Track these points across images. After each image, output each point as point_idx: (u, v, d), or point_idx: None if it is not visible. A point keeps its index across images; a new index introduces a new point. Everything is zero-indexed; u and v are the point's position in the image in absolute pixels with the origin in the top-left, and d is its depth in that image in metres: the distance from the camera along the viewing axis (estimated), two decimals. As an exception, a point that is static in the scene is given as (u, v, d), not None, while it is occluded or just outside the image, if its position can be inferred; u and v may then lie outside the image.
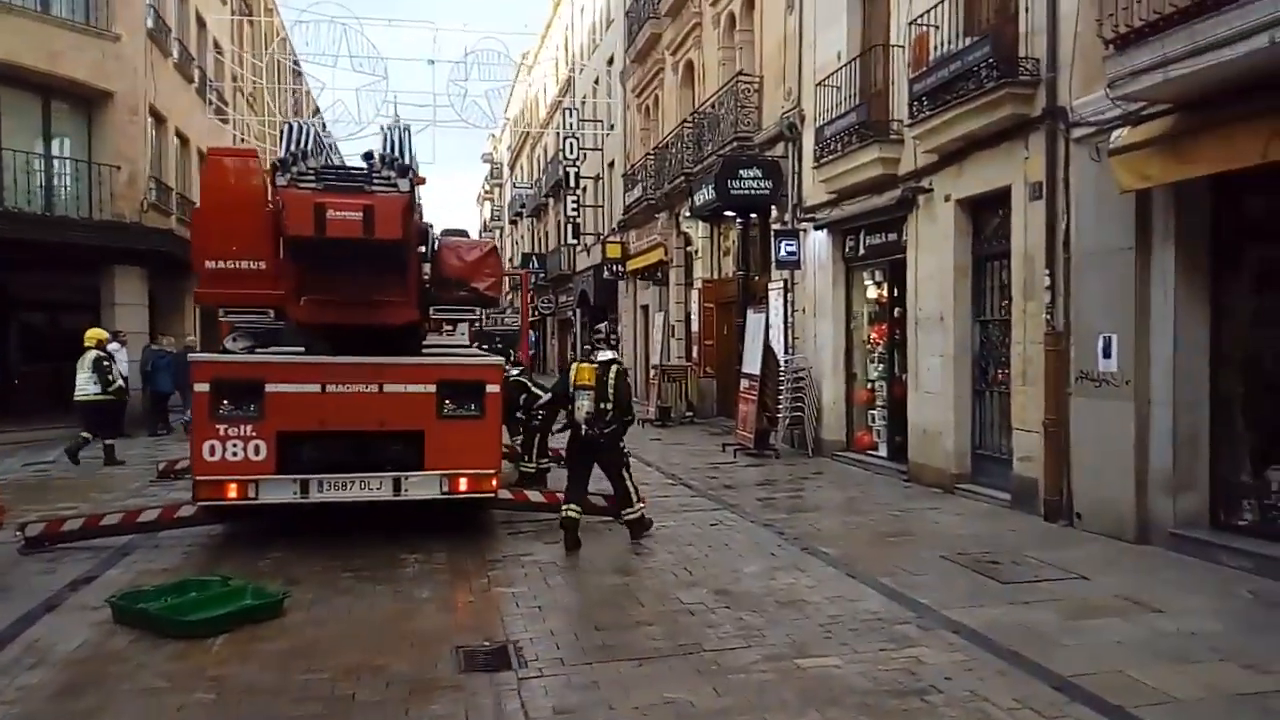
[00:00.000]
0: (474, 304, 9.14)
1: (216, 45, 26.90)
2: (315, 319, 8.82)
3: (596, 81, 32.80)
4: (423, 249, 8.99)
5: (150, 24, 20.02)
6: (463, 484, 8.73)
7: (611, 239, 28.07)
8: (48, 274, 18.46)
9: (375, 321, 8.92)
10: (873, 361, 14.00)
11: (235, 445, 8.38)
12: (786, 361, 14.95)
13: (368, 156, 8.03)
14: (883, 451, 13.45)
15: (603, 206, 32.05)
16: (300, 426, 8.52)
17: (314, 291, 8.58)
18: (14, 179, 17.17)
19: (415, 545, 8.60)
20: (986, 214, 10.95)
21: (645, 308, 25.85)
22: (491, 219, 67.32)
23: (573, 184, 31.80)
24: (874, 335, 13.91)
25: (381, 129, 8.69)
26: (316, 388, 8.58)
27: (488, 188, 70.34)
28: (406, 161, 8.07)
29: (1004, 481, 10.26)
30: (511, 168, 58.33)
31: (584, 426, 8.79)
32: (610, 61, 30.41)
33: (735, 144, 17.27)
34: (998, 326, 10.75)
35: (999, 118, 9.80)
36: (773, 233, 15.57)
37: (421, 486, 8.70)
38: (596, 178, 32.85)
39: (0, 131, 17.29)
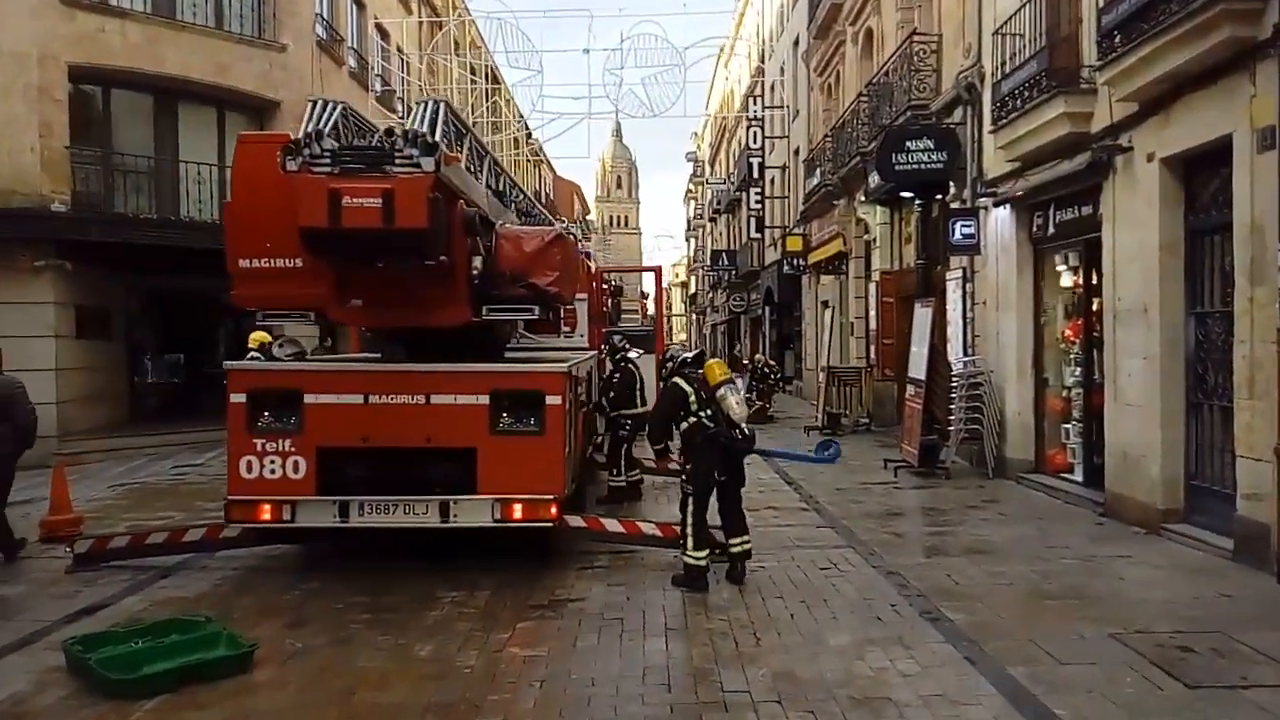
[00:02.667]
0: (532, 303, 7.85)
1: (401, 52, 27.37)
2: (356, 320, 7.93)
3: (783, 69, 30.90)
4: (475, 239, 7.75)
5: (320, 34, 20.34)
6: (517, 511, 7.50)
7: (792, 231, 26.16)
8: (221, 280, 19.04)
9: (422, 323, 7.88)
10: (1068, 364, 11.52)
11: (273, 461, 7.57)
12: (962, 364, 12.68)
13: (388, 133, 6.91)
14: (1078, 475, 10.97)
15: (788, 198, 30.12)
16: (342, 442, 7.60)
17: (352, 290, 7.64)
18: (186, 189, 17.77)
19: (463, 577, 7.47)
20: (1201, 175, 8.46)
21: (825, 303, 23.78)
22: (695, 218, 66.64)
23: (757, 175, 30.09)
24: (1068, 332, 11.43)
25: (415, 105, 7.58)
26: (359, 399, 7.63)
27: (691, 187, 69.63)
28: (435, 138, 6.90)
29: (1227, 524, 7.79)
30: (711, 164, 57.15)
31: (739, 430, 7.38)
32: (796, 43, 28.47)
33: (909, 113, 15.07)
34: (1219, 320, 8.23)
35: (1214, 45, 7.41)
36: (943, 211, 13.30)
37: (472, 513, 7.55)
38: (783, 168, 30.95)
39: (179, 143, 17.99)
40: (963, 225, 12.79)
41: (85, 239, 16.01)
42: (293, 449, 7.57)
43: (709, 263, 42.74)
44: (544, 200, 58.93)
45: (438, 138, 6.99)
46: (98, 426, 17.13)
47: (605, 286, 14.63)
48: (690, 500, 7.36)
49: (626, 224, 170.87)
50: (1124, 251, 9.34)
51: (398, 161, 6.71)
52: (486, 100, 35.91)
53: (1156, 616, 6.25)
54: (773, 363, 24.72)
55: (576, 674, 5.44)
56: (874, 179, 16.99)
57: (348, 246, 6.89)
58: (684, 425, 7.54)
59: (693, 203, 69.27)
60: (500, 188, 9.99)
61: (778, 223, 31.23)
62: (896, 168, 13.51)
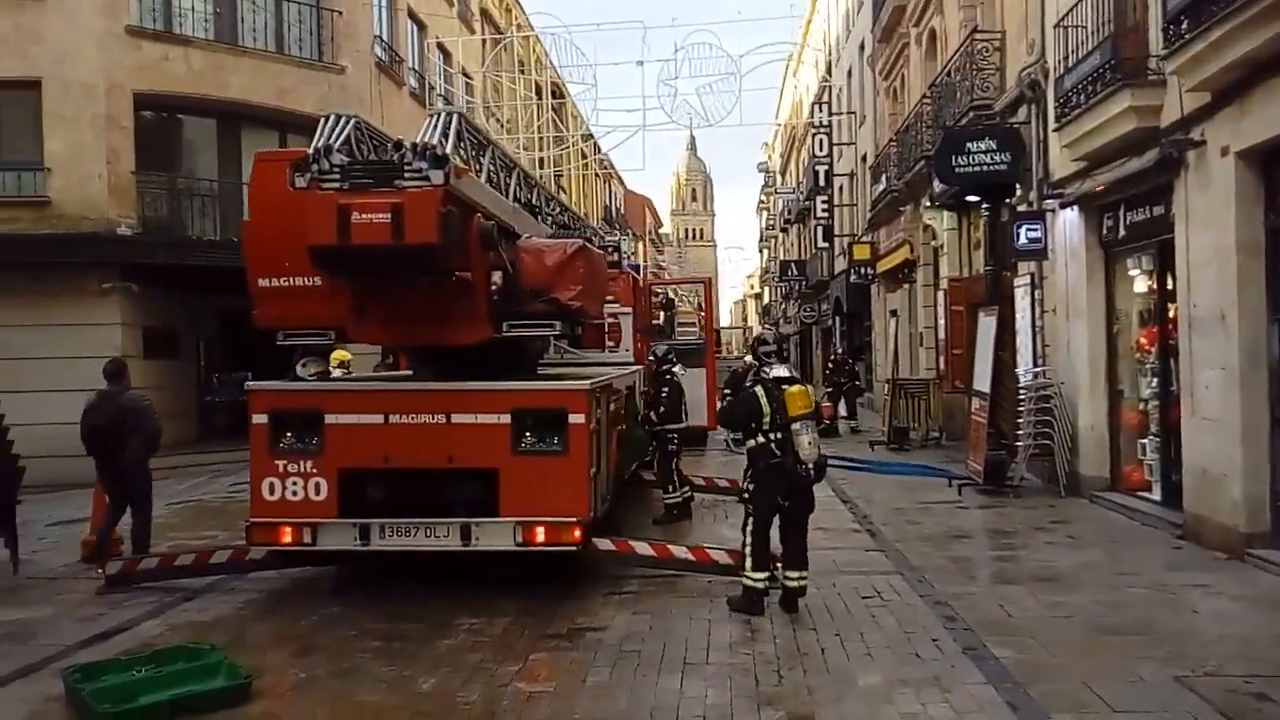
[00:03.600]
0: (553, 318, 7.56)
1: (465, 74, 27.56)
2: (375, 339, 7.78)
3: (849, 74, 30.25)
4: (494, 253, 7.48)
5: (379, 55, 20.56)
6: (540, 534, 7.22)
7: (860, 239, 25.47)
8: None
9: (441, 340, 7.67)
10: (1143, 375, 10.75)
11: (295, 483, 7.44)
12: (1030, 375, 11.97)
13: (397, 146, 6.71)
14: (1156, 494, 10.20)
15: (856, 205, 29.40)
16: (363, 463, 7.44)
17: (370, 309, 7.47)
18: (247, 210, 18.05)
19: (485, 602, 7.19)
20: (1284, 167, 7.75)
21: (894, 313, 23.04)
22: (767, 229, 65.99)
23: (823, 182, 29.46)
24: (1143, 340, 10.68)
25: (429, 115, 7.38)
26: (379, 419, 7.45)
27: (763, 198, 68.97)
28: (445, 150, 6.68)
29: (1318, 551, 7.07)
30: (782, 174, 56.46)
31: (810, 470, 6.87)
32: (862, 47, 27.83)
33: (972, 114, 14.42)
34: (1306, 326, 7.50)
35: (1292, 23, 6.74)
36: (1012, 215, 12.62)
37: (493, 536, 7.29)
38: (851, 175, 30.24)
39: (242, 166, 18.29)
40: (1028, 229, 12.11)
41: (151, 261, 16.41)
42: (314, 470, 7.43)
43: (779, 274, 42.09)
44: (614, 214, 59.06)
45: (449, 150, 6.78)
46: (167, 444, 17.44)
47: (655, 299, 14.26)
48: (751, 520, 7.01)
49: (701, 236, 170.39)
50: (1198, 254, 8.63)
51: (407, 175, 6.51)
52: (546, 114, 35.70)
53: (1231, 657, 5.63)
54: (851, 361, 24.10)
55: (580, 713, 5.10)
56: (938, 184, 16.35)
57: (358, 264, 6.71)
58: (751, 442, 7.08)
59: (765, 213, 68.61)
60: (533, 201, 9.76)
61: (846, 231, 30.55)
62: (957, 170, 12.87)
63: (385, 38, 21.35)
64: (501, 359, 8.20)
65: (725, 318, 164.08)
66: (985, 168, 12.76)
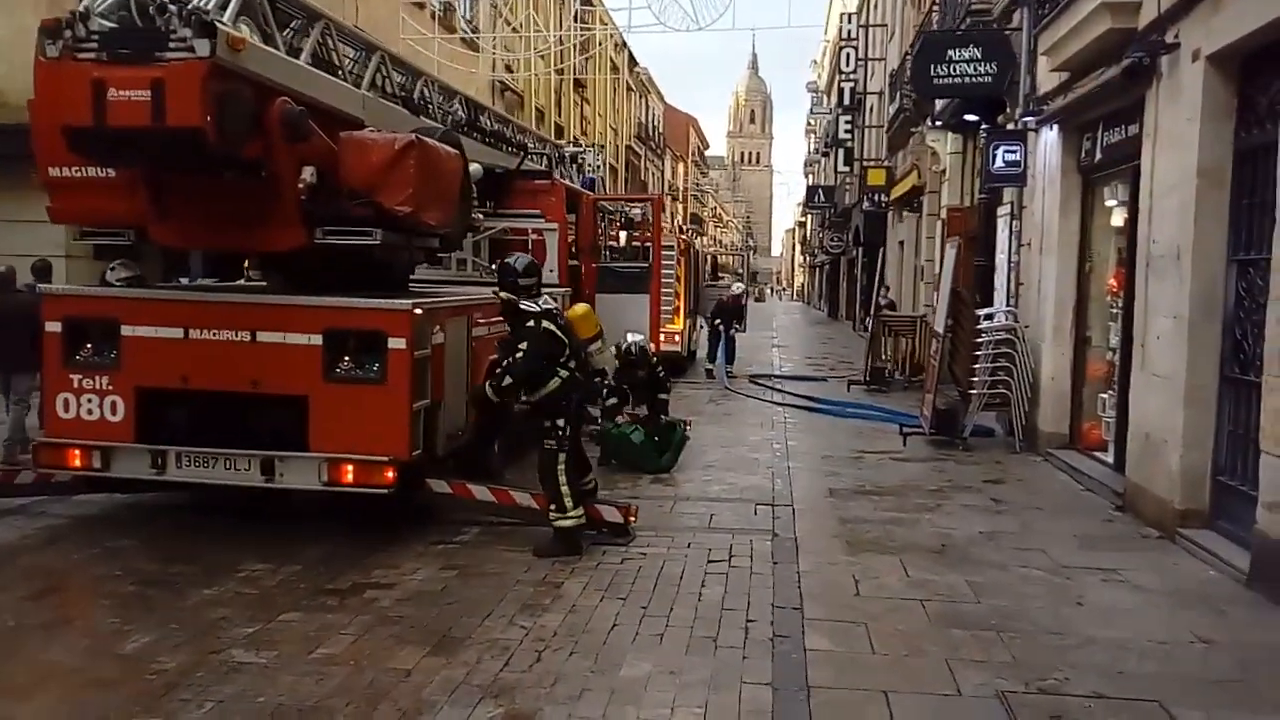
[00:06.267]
0: (374, 225, 6.57)
1: (468, -31, 26.09)
2: (178, 241, 6.90)
3: (885, -20, 28.12)
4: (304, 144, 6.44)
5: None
6: (349, 473, 6.39)
7: (873, 164, 23.86)
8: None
9: (249, 246, 6.85)
10: (1114, 320, 9.48)
11: (90, 401, 6.68)
12: (991, 316, 10.74)
13: (160, 9, 5.66)
14: (1110, 456, 9.04)
15: (883, 126, 27.60)
16: (161, 383, 6.65)
17: (171, 206, 6.57)
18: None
19: (285, 546, 6.44)
20: (1261, 77, 6.38)
21: (901, 244, 21.60)
22: (813, 152, 63.61)
23: (848, 101, 27.65)
24: (1113, 282, 9.39)
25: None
26: (179, 333, 6.62)
27: (810, 121, 66.28)
28: (220, 16, 5.66)
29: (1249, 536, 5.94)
30: (826, 94, 53.99)
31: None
32: (896, -48, 25.73)
33: (968, 20, 12.89)
34: (1267, 271, 6.21)
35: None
36: (989, 135, 11.23)
37: (299, 472, 6.50)
38: (880, 93, 28.35)
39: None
40: (1006, 150, 10.76)
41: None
42: (110, 388, 6.67)
43: (806, 200, 40.34)
44: (649, 131, 57.20)
45: (228, 17, 5.76)
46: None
47: (599, 216, 13.16)
48: (561, 458, 6.45)
49: (758, 161, 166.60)
50: (1162, 180, 7.32)
51: (171, 45, 5.52)
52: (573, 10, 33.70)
53: (1088, 668, 4.61)
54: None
55: (266, 697, 4.28)
56: (938, 101, 14.88)
57: (118, 149, 5.79)
58: (553, 382, 6.47)
59: (811, 137, 66.07)
60: (422, 94, 8.68)
61: (873, 156, 28.80)
62: (935, 81, 11.49)
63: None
64: (361, 272, 7.27)
65: (777, 247, 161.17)
66: (967, 79, 11.38)
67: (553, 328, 6.55)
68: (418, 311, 6.54)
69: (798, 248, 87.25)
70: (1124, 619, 5.34)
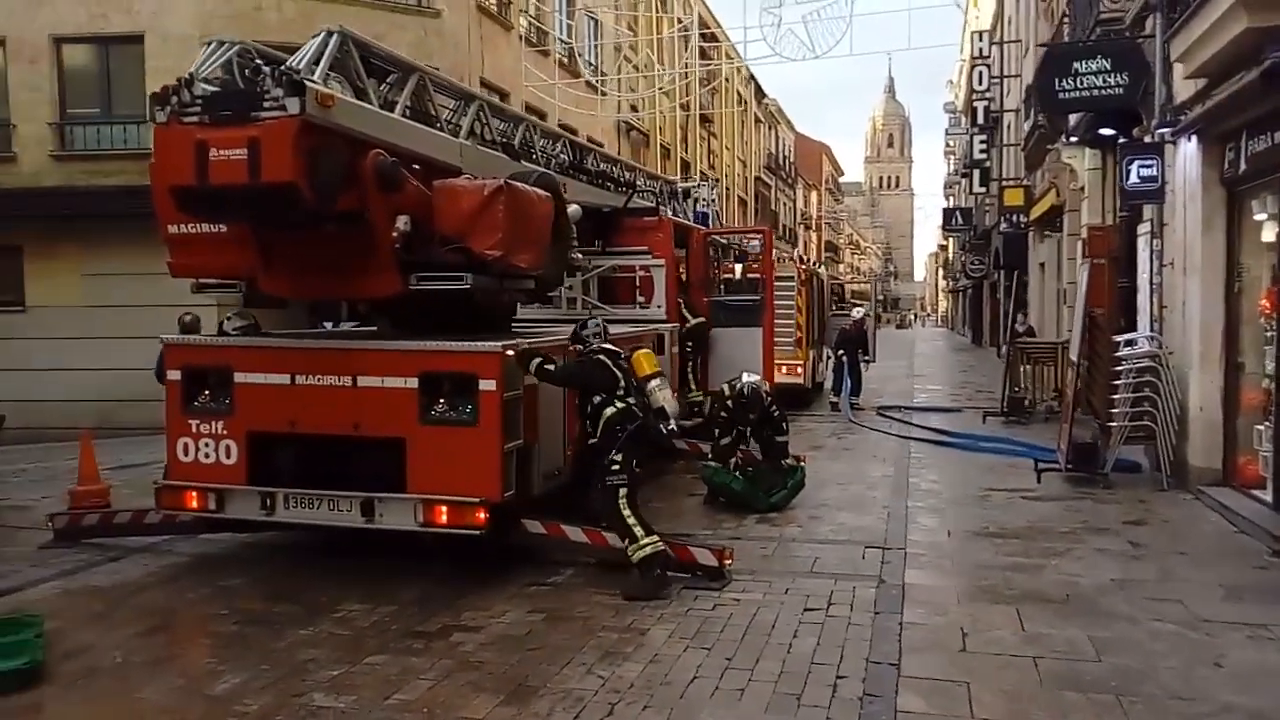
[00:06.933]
0: (465, 269, 6.64)
1: (591, 15, 26.70)
2: (285, 291, 7.15)
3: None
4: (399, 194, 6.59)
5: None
6: (443, 514, 6.45)
7: (1011, 183, 22.83)
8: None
9: (349, 294, 7.11)
10: (1270, 344, 8.61)
11: (207, 445, 7.03)
12: (1130, 343, 9.97)
13: (255, 71, 5.93)
14: (1268, 494, 8.18)
15: (1020, 145, 26.43)
16: (270, 427, 6.91)
17: (277, 257, 6.86)
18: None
19: (384, 585, 6.57)
20: None
21: (1042, 266, 20.52)
22: (952, 174, 61.69)
23: (982, 120, 26.67)
24: (1265, 303, 8.55)
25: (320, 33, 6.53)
26: (285, 379, 6.87)
27: (949, 142, 64.33)
28: (316, 76, 5.89)
29: None
30: (964, 115, 52.30)
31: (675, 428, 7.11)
32: (1028, -35, 24.73)
33: (1098, 30, 12.15)
34: None
35: None
36: (1123, 149, 10.50)
37: (396, 513, 6.62)
38: (1016, 110, 27.20)
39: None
40: (1141, 165, 10.05)
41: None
42: (224, 432, 6.99)
43: (943, 222, 39.01)
44: (780, 161, 56.84)
45: (318, 75, 5.98)
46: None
47: (712, 250, 13.01)
48: (624, 491, 6.54)
49: (897, 185, 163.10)
50: (1311, 189, 6.62)
51: (265, 105, 5.78)
52: (694, 49, 33.89)
53: (1218, 742, 4.10)
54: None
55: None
56: (1073, 117, 14.10)
57: (220, 206, 6.10)
58: (609, 410, 6.64)
59: (951, 158, 64.07)
60: (515, 141, 8.81)
61: (1011, 176, 27.61)
62: (1060, 96, 10.86)
63: (492, -20, 20.79)
64: (460, 314, 7.41)
65: (920, 271, 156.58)
66: (1096, 92, 10.72)
67: (605, 360, 6.80)
68: (509, 353, 6.57)
69: (940, 272, 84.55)
70: (1269, 684, 4.75)
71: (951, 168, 63.51)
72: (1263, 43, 7.29)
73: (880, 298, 60.82)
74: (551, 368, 6.75)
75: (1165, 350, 9.72)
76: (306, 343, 7.24)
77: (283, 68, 5.87)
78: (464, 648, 5.47)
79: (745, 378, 9.53)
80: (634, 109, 29.32)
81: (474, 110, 8.01)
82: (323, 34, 6.42)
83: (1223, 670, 4.95)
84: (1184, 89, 9.54)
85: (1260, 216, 8.62)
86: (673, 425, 6.82)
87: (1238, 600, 6.05)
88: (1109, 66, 10.59)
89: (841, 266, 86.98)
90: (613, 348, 6.98)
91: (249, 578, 6.92)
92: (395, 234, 6.45)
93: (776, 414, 9.52)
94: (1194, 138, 9.24)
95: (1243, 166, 8.48)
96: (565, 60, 24.62)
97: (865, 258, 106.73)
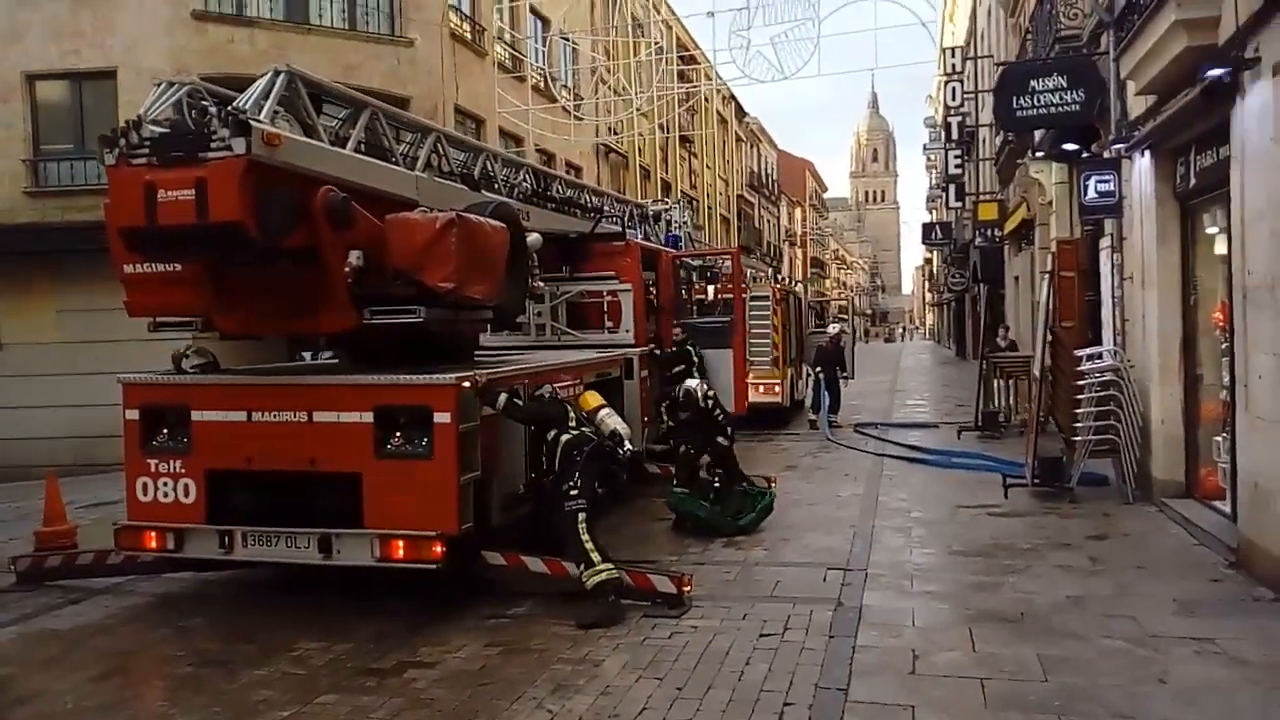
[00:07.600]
0: (418, 302, 6.68)
1: (566, 38, 26.86)
2: (241, 328, 7.17)
3: (990, 12, 27.36)
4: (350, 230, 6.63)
5: (455, 26, 20.16)
6: (400, 549, 6.46)
7: (984, 198, 23.02)
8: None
9: (305, 330, 7.11)
10: (1226, 356, 8.70)
11: (166, 484, 7.03)
12: (1089, 356, 10.05)
13: (202, 113, 5.99)
14: (1228, 505, 8.24)
15: (993, 160, 26.65)
16: (227, 464, 6.92)
17: (232, 296, 6.89)
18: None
19: (341, 622, 6.56)
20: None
21: (1017, 279, 20.67)
22: (933, 188, 62.07)
23: (956, 135, 26.90)
24: (1218, 315, 8.64)
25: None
26: (243, 416, 6.88)
27: (930, 156, 64.77)
28: (261, 115, 5.95)
29: (1369, 604, 5.25)
30: (942, 130, 52.68)
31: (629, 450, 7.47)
32: (997, -18, 25.02)
33: (1056, 47, 12.31)
34: (1370, 300, 5.57)
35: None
36: (1080, 164, 10.63)
37: (353, 549, 6.62)
38: (990, 126, 27.43)
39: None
40: (1099, 180, 10.18)
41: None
42: (183, 471, 6.99)
43: (923, 236, 39.31)
44: (761, 179, 57.14)
45: (265, 114, 6.04)
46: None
47: (683, 272, 13.07)
48: (583, 515, 6.65)
49: (883, 199, 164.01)
50: (1251, 205, 6.73)
51: (212, 145, 5.83)
52: (670, 69, 33.98)
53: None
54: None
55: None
56: (1038, 133, 14.26)
57: (169, 247, 6.13)
58: (565, 437, 6.85)
59: (932, 172, 64.50)
60: (484, 169, 8.88)
61: (987, 190, 27.81)
62: (1017, 114, 11.00)
63: (466, 8, 20.94)
64: (419, 347, 7.47)
65: (907, 284, 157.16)
66: (1054, 109, 10.86)
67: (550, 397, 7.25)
68: (464, 385, 6.60)
69: (926, 285, 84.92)
70: (1211, 700, 4.79)
71: (933, 182, 63.94)
72: (1203, 60, 7.41)
73: (868, 312, 61.03)
74: (520, 402, 6.86)
75: (1127, 363, 9.80)
76: (262, 379, 7.26)
77: (229, 108, 5.92)
78: (416, 684, 5.47)
79: (689, 384, 9.65)
80: (613, 131, 29.46)
81: (430, 142, 8.08)
82: (270, 73, 6.47)
83: (1166, 686, 4.98)
84: (1137, 105, 9.67)
85: (1212, 230, 8.72)
86: (628, 446, 6.99)
87: (1189, 614, 6.09)
88: (1065, 84, 10.74)
89: (828, 282, 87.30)
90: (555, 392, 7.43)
91: (208, 617, 6.92)
92: (348, 269, 6.49)
93: (720, 416, 9.57)
94: (1147, 153, 9.36)
95: (1193, 181, 8.59)
96: (541, 85, 24.76)
97: (852, 272, 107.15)
